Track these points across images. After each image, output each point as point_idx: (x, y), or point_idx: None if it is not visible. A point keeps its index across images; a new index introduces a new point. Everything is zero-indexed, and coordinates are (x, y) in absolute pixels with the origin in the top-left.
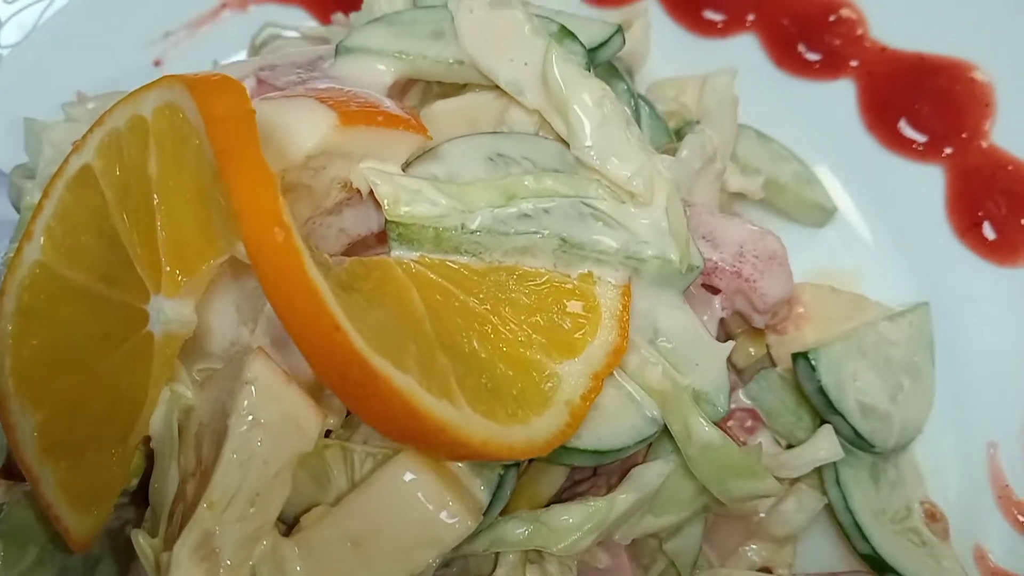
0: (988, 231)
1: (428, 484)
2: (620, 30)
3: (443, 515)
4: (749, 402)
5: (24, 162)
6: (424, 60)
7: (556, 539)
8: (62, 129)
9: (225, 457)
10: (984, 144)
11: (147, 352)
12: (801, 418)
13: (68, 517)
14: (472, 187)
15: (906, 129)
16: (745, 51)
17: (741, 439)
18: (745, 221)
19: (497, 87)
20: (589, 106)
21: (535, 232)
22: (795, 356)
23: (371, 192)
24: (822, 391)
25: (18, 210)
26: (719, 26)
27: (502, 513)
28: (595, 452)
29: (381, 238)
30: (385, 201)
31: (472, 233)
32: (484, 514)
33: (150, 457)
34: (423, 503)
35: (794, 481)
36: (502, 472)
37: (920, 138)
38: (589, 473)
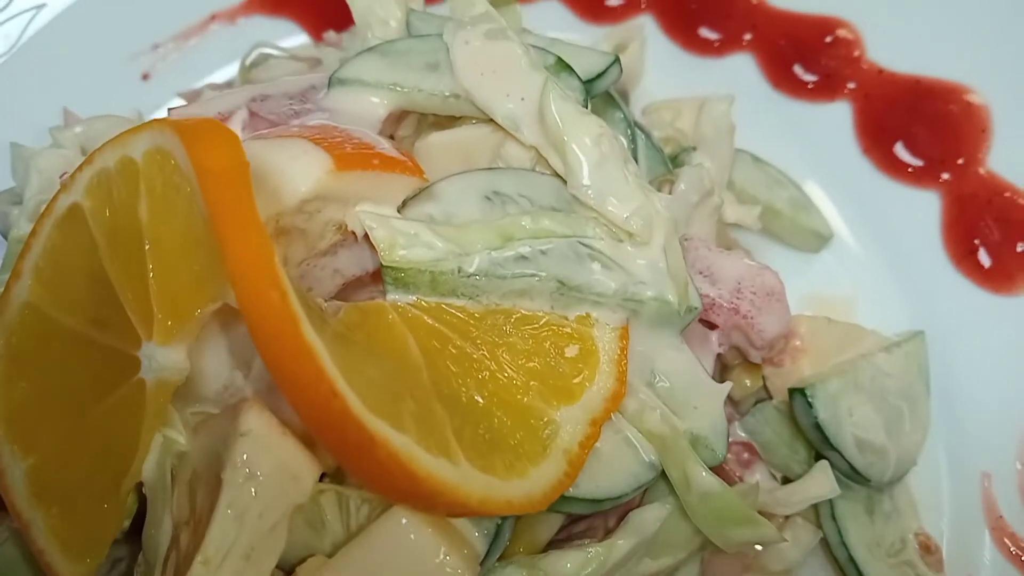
0: (984, 258)
1: (425, 536)
2: (617, 60)
3: (441, 567)
4: (745, 435)
5: (11, 187)
6: (419, 93)
7: None
8: (49, 157)
9: (220, 512)
10: (980, 170)
11: (139, 399)
12: (797, 451)
13: (60, 564)
14: (469, 229)
15: (902, 153)
16: (741, 71)
17: (737, 474)
18: (743, 256)
19: (493, 120)
20: (587, 145)
21: (532, 275)
22: (792, 392)
23: (366, 234)
24: (819, 427)
25: (5, 236)
26: (715, 45)
27: (499, 558)
28: (593, 500)
29: (376, 277)
30: (381, 246)
31: (469, 277)
32: (481, 563)
33: (142, 496)
34: (421, 555)
35: (789, 515)
36: (500, 521)
37: (916, 163)
38: (586, 514)
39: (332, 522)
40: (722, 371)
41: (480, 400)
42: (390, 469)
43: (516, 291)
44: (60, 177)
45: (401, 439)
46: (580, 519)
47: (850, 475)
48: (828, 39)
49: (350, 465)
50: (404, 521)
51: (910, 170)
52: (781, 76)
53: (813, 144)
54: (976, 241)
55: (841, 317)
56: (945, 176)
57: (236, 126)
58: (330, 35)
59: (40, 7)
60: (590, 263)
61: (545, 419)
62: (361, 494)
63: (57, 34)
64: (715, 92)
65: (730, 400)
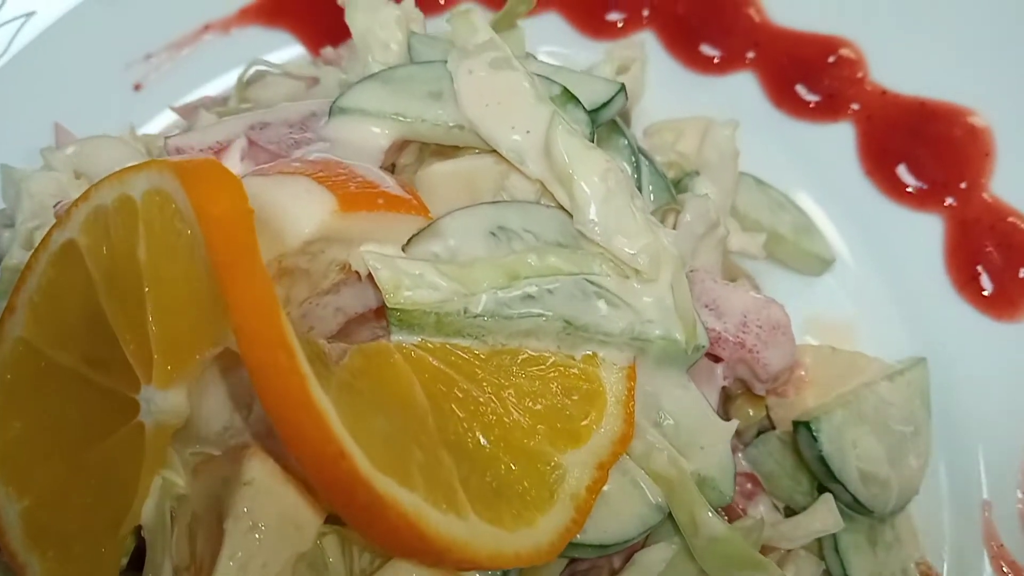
0: (986, 284)
1: None
2: (623, 89)
3: None
4: (748, 466)
5: (1, 208)
6: (422, 124)
7: None
8: (41, 180)
9: (223, 563)
10: (984, 194)
11: (138, 442)
12: (800, 482)
13: None
14: (474, 267)
15: (905, 176)
16: (743, 90)
17: (740, 506)
18: (748, 288)
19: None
20: (594, 181)
21: (539, 315)
22: (796, 424)
23: (369, 273)
24: (823, 460)
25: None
26: (717, 62)
27: None
28: (600, 546)
29: (379, 313)
30: (385, 288)
31: (475, 317)
32: None
33: (140, 535)
34: None
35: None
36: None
37: (919, 186)
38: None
39: (335, 564)
40: (725, 401)
41: (487, 445)
42: (399, 529)
43: (522, 331)
44: (55, 207)
45: (410, 498)
46: (584, 558)
47: (853, 507)
48: (831, 59)
49: (358, 525)
50: (409, 572)
51: (913, 193)
52: (783, 95)
53: (815, 165)
54: (978, 267)
55: (842, 341)
56: (948, 200)
57: (235, 156)
58: (328, 52)
59: (29, 15)
60: (597, 301)
61: (552, 464)
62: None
63: (47, 43)
64: (716, 110)
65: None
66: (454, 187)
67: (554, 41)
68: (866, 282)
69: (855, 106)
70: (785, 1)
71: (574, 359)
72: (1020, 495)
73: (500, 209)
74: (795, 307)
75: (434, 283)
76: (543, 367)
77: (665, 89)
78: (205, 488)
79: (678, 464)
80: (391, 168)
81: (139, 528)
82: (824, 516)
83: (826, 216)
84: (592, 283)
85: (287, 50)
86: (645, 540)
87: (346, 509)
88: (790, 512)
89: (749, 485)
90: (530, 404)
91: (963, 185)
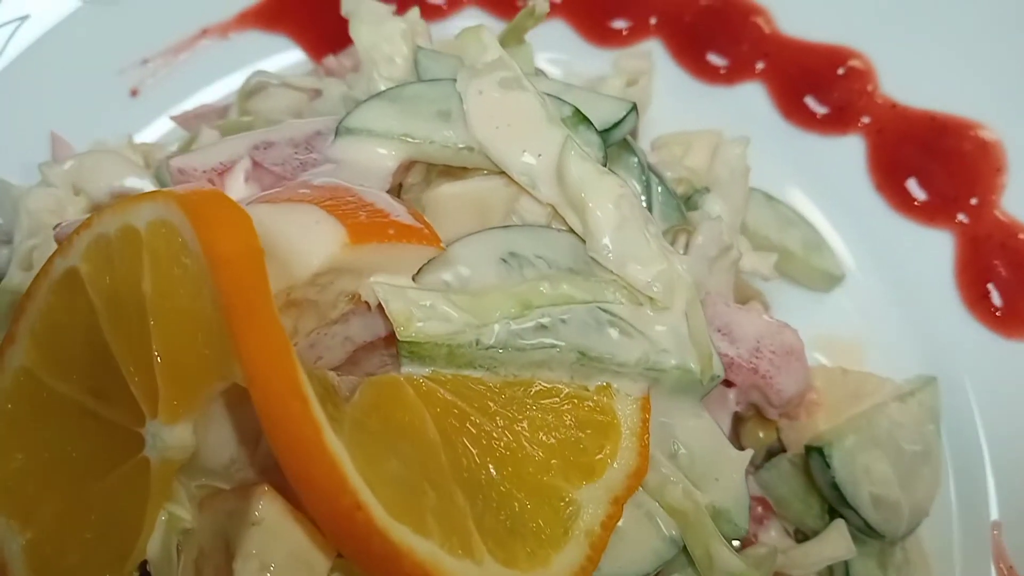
0: (997, 302)
1: None
2: (634, 108)
3: None
4: (759, 489)
5: None
6: (431, 145)
7: None
8: (39, 196)
9: None
10: (995, 211)
11: (143, 477)
12: (811, 506)
13: None
14: (486, 297)
15: (915, 191)
16: (751, 100)
17: (751, 530)
18: (760, 311)
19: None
20: (608, 208)
21: (552, 345)
22: (809, 449)
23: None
24: (836, 486)
25: None
26: (725, 73)
27: None
28: None
29: (388, 341)
30: (397, 320)
31: (487, 349)
32: None
33: (145, 569)
34: None
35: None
36: None
37: (929, 202)
38: None
39: None
40: (735, 423)
41: (500, 482)
42: None
43: (535, 362)
44: (54, 229)
45: (425, 546)
46: None
47: (864, 531)
48: (841, 71)
49: (371, 574)
50: None
51: (923, 208)
52: (792, 107)
53: (824, 178)
54: (989, 285)
55: (851, 358)
56: (959, 216)
57: (239, 178)
58: (330, 61)
59: (23, 19)
60: (610, 331)
61: (566, 499)
62: None
63: (41, 48)
64: (724, 121)
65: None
66: (463, 209)
67: (558, 48)
68: (875, 298)
69: (865, 119)
70: (794, 11)
71: (587, 390)
72: None
73: (511, 234)
74: (804, 324)
75: (446, 314)
76: (557, 399)
77: (672, 99)
78: (212, 522)
79: (693, 497)
80: (398, 188)
81: (144, 563)
82: (836, 542)
83: (835, 230)
84: (605, 311)
85: (287, 55)
86: (659, 574)
87: (359, 558)
88: (800, 535)
89: (760, 509)
90: (543, 437)
91: (974, 201)
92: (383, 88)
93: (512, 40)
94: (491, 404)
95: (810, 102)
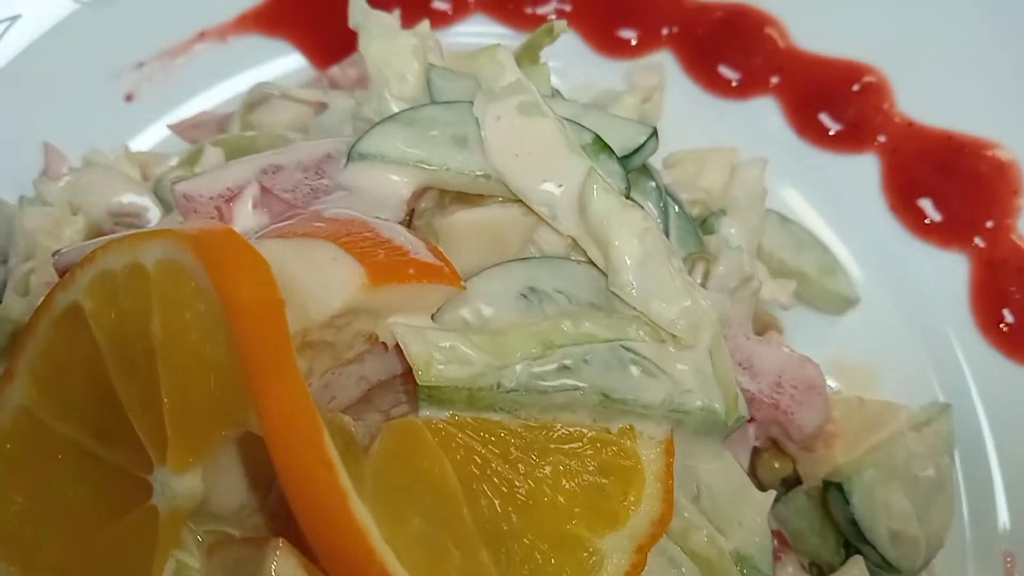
0: (1013, 329)
1: None
2: (655, 133)
3: None
4: (775, 523)
5: None
6: (447, 172)
7: None
8: (34, 216)
9: None
10: (1011, 235)
11: (151, 526)
12: (827, 539)
13: None
14: (507, 337)
15: (930, 213)
16: (764, 115)
17: None
18: (780, 343)
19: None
20: (633, 243)
21: (575, 388)
22: (827, 484)
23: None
24: (854, 522)
25: None
26: (738, 87)
27: None
28: None
29: (404, 378)
30: (416, 364)
31: (508, 392)
32: None
33: None
34: None
35: None
36: None
37: (945, 223)
38: None
39: None
40: (752, 454)
41: (523, 532)
42: None
43: (557, 405)
44: (53, 256)
45: None
46: None
47: (882, 566)
48: (856, 87)
49: None
50: None
51: (938, 231)
52: (806, 123)
53: (837, 197)
54: (1005, 310)
55: (863, 382)
56: (975, 239)
57: (247, 205)
58: (334, 72)
59: (15, 18)
60: (634, 371)
61: (590, 549)
62: None
63: (32, 50)
64: (736, 137)
65: (757, 482)
66: (479, 238)
67: (569, 59)
68: (888, 321)
69: (881, 138)
70: (810, 25)
71: (610, 432)
72: None
73: (530, 267)
74: (816, 347)
75: (466, 357)
76: (579, 443)
77: (683, 113)
78: (221, 571)
79: (717, 543)
80: (410, 214)
81: None
82: None
83: (847, 251)
84: (628, 350)
85: (287, 60)
86: None
87: None
88: (815, 569)
89: (776, 543)
90: (566, 484)
91: (990, 224)
92: (395, 108)
93: (527, 58)
94: (512, 449)
95: (824, 119)
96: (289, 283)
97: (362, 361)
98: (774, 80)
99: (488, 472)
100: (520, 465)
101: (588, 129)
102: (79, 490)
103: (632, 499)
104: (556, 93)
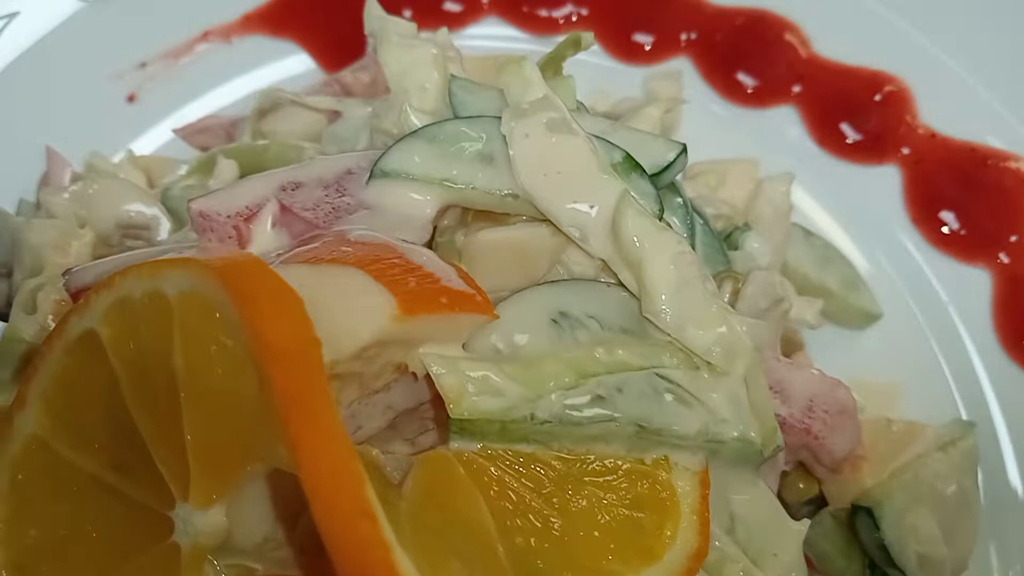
0: None
1: None
2: (684, 150)
3: None
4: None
5: None
6: (473, 191)
7: None
8: (41, 230)
9: None
10: None
11: (172, 563)
12: (852, 561)
13: None
14: (540, 366)
15: (953, 226)
16: (783, 125)
17: None
18: (810, 366)
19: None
20: (668, 268)
21: (609, 419)
22: (856, 509)
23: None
24: (884, 547)
25: None
26: (757, 94)
27: None
28: None
29: (433, 404)
30: (449, 397)
31: (542, 424)
32: None
33: None
34: None
35: None
36: None
37: (968, 237)
38: None
39: None
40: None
41: (558, 570)
42: None
43: (591, 436)
44: (64, 276)
45: None
46: None
47: None
48: (878, 97)
49: None
50: None
51: (961, 245)
52: (827, 133)
53: (858, 209)
54: None
55: (885, 399)
56: (999, 254)
57: (265, 224)
58: (346, 76)
59: (12, 16)
60: (669, 400)
61: None
62: None
63: (31, 48)
64: (755, 146)
65: (783, 504)
66: (504, 258)
67: (584, 63)
68: (910, 337)
69: (905, 151)
70: (831, 33)
71: (644, 463)
72: None
73: (560, 291)
74: (836, 363)
75: (499, 388)
76: (614, 476)
77: (701, 121)
78: None
79: None
80: (432, 231)
81: None
82: None
83: (868, 264)
84: (663, 378)
85: (294, 60)
86: None
87: None
88: None
89: None
90: (601, 518)
91: (1014, 239)
92: (416, 121)
93: (550, 69)
94: (545, 482)
95: (846, 129)
96: (317, 313)
97: (389, 390)
98: (796, 89)
99: (522, 507)
100: (554, 499)
101: (618, 147)
102: (96, 525)
103: (668, 533)
104: (581, 106)
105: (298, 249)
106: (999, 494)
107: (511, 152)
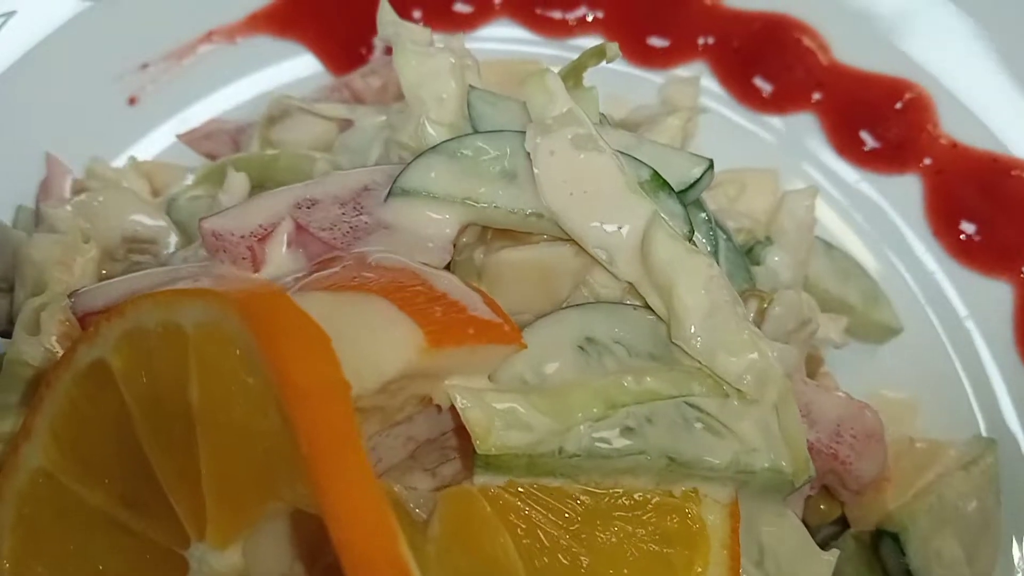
0: None
1: None
2: (711, 166)
3: None
4: None
5: None
6: (496, 210)
7: None
8: (43, 245)
9: None
10: None
11: None
12: None
13: None
14: (568, 396)
15: (975, 238)
16: (802, 132)
17: None
18: (839, 390)
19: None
20: (699, 293)
21: (640, 452)
22: (881, 533)
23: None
24: (909, 573)
25: None
26: (774, 100)
27: None
28: None
29: (455, 433)
30: (476, 432)
31: (570, 457)
32: None
33: None
34: None
35: None
36: None
37: (989, 249)
38: None
39: None
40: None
41: None
42: None
43: (620, 469)
44: (70, 298)
45: None
46: None
47: None
48: (899, 105)
49: None
50: None
51: (982, 257)
52: (846, 142)
53: (878, 220)
54: None
55: (903, 414)
56: (1021, 267)
57: (280, 244)
58: (356, 81)
59: (10, 14)
60: (700, 430)
61: None
62: None
63: (30, 49)
64: (773, 154)
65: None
66: (526, 278)
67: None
68: (929, 351)
69: (927, 161)
70: (851, 39)
71: (673, 496)
72: None
73: (586, 315)
74: (855, 377)
75: (527, 422)
76: (642, 511)
77: (717, 127)
78: None
79: None
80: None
81: None
82: None
83: (888, 276)
84: (692, 406)
85: (300, 62)
86: None
87: None
88: None
89: None
90: (630, 555)
91: None
92: (433, 134)
93: (571, 79)
94: (572, 517)
95: (865, 137)
96: (340, 345)
97: (411, 421)
98: (815, 96)
99: (550, 545)
100: (582, 535)
101: (645, 164)
102: (106, 562)
103: (698, 569)
104: (603, 119)
105: (317, 274)
106: (1018, 511)
107: (536, 170)
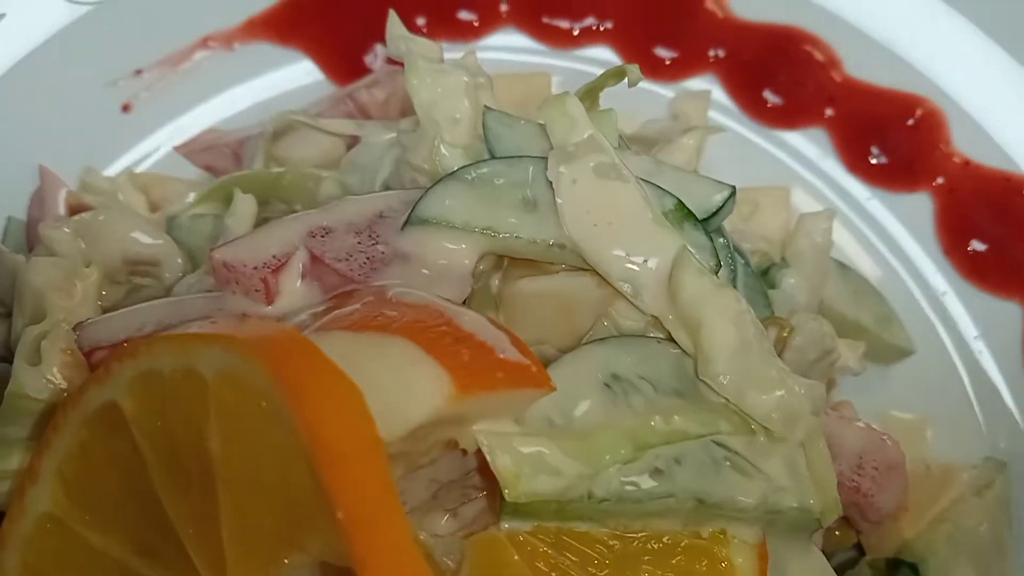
0: None
1: None
2: (734, 192)
3: None
4: None
5: None
6: (517, 240)
7: None
8: (42, 269)
9: None
10: None
11: None
12: None
13: None
14: (596, 438)
15: (986, 257)
16: (812, 148)
17: None
18: (859, 421)
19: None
20: (729, 330)
21: (669, 495)
22: (900, 564)
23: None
24: None
25: None
26: (785, 115)
27: None
28: None
29: (483, 472)
30: (504, 478)
31: (600, 502)
32: None
33: None
34: None
35: None
36: None
37: (1001, 270)
38: None
39: None
40: None
41: None
42: None
43: (649, 512)
44: (74, 331)
45: None
46: None
47: None
48: (911, 122)
49: None
50: None
51: (994, 278)
52: (857, 159)
53: (889, 238)
54: None
55: (913, 436)
56: None
57: (295, 276)
58: (361, 95)
59: None
60: (727, 469)
61: None
62: None
63: (19, 54)
64: (783, 170)
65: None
66: (547, 310)
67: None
68: (940, 371)
69: (940, 180)
70: (863, 55)
71: (701, 537)
72: None
73: (610, 351)
74: (865, 398)
75: (555, 467)
76: (671, 555)
77: (725, 142)
78: None
79: None
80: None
81: None
82: None
83: (898, 296)
84: (720, 445)
85: (299, 68)
86: None
87: None
88: None
89: None
90: None
91: None
92: (447, 155)
93: (587, 100)
94: (601, 562)
95: (877, 154)
96: (365, 390)
97: (434, 464)
98: (828, 112)
99: None
100: None
101: (669, 193)
102: None
103: None
104: (622, 141)
105: (336, 312)
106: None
107: (559, 200)
